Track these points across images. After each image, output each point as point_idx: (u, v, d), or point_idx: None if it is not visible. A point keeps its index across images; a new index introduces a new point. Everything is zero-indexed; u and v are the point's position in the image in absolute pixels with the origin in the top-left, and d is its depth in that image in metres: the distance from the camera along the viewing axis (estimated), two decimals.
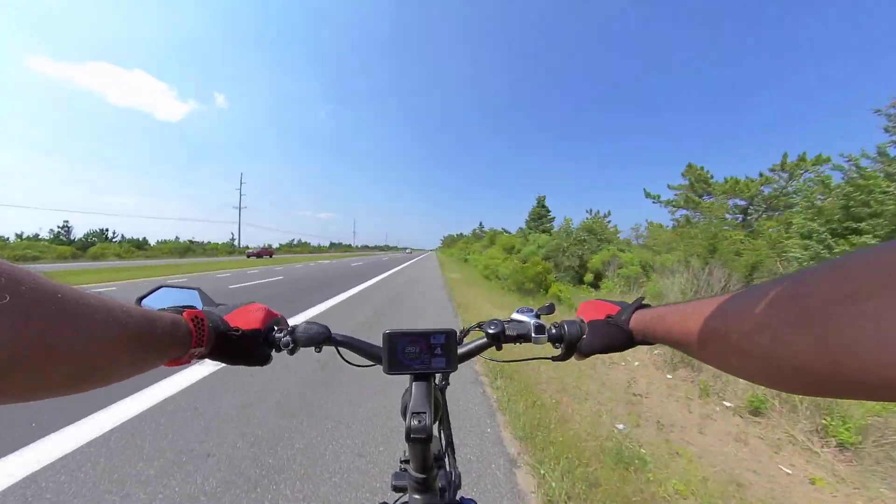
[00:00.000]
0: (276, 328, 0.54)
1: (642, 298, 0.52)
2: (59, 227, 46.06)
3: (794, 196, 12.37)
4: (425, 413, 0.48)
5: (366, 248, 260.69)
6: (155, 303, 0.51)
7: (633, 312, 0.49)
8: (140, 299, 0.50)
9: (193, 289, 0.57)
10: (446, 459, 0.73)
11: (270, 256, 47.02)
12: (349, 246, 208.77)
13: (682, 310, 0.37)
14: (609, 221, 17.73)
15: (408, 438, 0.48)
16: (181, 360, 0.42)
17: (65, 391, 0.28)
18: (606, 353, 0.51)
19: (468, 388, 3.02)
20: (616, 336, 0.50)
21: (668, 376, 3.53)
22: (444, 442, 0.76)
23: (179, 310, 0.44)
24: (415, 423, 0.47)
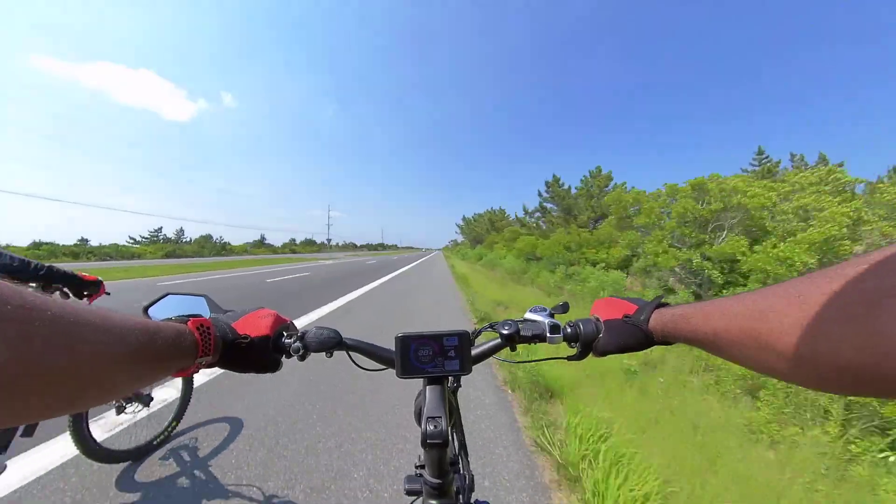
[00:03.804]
0: (285, 334, 0.52)
1: (661, 297, 0.51)
2: None
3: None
4: (441, 417, 0.48)
5: (353, 246, 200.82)
6: (161, 311, 0.50)
7: (653, 312, 0.48)
8: (146, 308, 0.49)
9: (201, 296, 0.55)
10: (460, 462, 0.72)
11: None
12: (320, 245, 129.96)
13: (707, 308, 0.37)
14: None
15: (424, 444, 0.47)
16: (189, 369, 0.42)
17: (63, 411, 0.27)
18: (623, 353, 0.50)
19: None
20: (634, 336, 0.49)
21: None
22: (457, 445, 0.75)
23: (185, 318, 0.43)
24: (431, 427, 0.47)
